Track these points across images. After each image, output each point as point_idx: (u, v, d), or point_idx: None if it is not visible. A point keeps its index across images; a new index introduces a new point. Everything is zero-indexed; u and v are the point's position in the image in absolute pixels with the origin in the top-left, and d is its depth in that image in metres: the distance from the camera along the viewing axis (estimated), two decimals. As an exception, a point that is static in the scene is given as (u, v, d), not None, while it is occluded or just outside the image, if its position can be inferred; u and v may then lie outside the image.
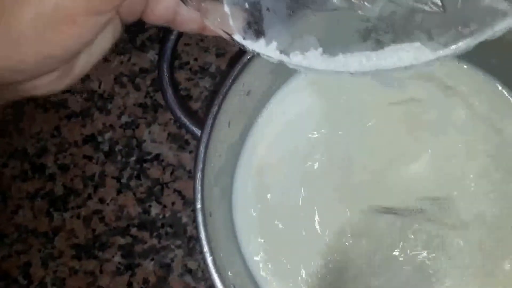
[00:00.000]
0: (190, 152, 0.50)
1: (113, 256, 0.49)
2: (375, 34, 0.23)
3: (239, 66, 0.38)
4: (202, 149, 0.38)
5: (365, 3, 0.23)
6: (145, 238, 0.49)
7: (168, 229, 0.49)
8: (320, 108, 0.46)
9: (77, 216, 0.50)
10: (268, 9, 0.23)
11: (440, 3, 0.23)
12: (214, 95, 0.39)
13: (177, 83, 0.51)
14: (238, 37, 0.23)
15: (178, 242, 0.49)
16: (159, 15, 0.25)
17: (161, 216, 0.50)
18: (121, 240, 0.49)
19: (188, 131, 0.42)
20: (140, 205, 0.50)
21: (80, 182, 0.51)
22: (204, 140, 0.38)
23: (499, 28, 0.22)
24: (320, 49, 0.23)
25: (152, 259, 0.49)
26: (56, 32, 0.20)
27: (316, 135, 0.45)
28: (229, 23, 0.23)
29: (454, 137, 0.44)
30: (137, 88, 0.52)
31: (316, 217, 0.44)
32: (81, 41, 0.21)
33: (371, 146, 0.44)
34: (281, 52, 0.24)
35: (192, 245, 0.49)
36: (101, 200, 0.50)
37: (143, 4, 0.24)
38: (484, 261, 0.42)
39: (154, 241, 0.49)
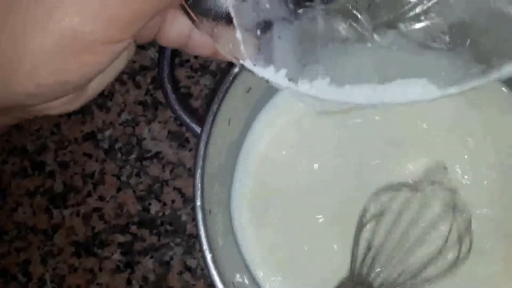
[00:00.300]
0: (190, 150, 0.50)
1: (112, 254, 0.49)
2: (381, 69, 0.23)
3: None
4: (202, 147, 0.38)
5: (375, 36, 0.23)
6: (144, 236, 0.49)
7: (168, 227, 0.49)
8: (321, 106, 0.46)
9: (77, 214, 0.50)
10: (279, 37, 0.24)
11: (448, 41, 0.23)
12: (215, 93, 0.39)
13: (178, 81, 0.51)
14: (248, 63, 0.24)
15: (178, 240, 0.49)
16: (172, 39, 0.25)
17: (160, 214, 0.50)
18: (121, 238, 0.49)
19: (188, 129, 0.42)
20: (140, 203, 0.50)
21: (80, 179, 0.51)
22: (204, 137, 0.38)
23: (506, 70, 0.23)
24: (328, 79, 0.24)
25: (152, 257, 0.49)
26: (74, 60, 0.20)
27: (319, 137, 0.45)
28: (241, 50, 0.24)
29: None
30: (137, 85, 0.52)
31: (317, 214, 0.44)
32: (98, 68, 0.22)
33: (375, 141, 0.44)
34: (289, 79, 0.24)
35: (191, 243, 0.49)
36: (101, 198, 0.50)
37: (156, 28, 0.25)
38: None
39: (154, 238, 0.49)
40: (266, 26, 0.24)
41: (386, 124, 0.45)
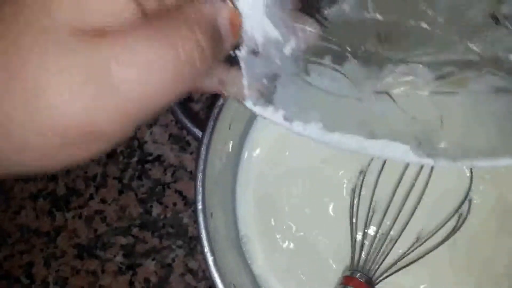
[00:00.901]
0: (191, 153, 0.51)
1: (114, 256, 0.50)
2: (371, 126, 0.25)
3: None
4: (203, 151, 0.38)
5: (373, 98, 0.25)
6: (146, 238, 0.50)
7: (169, 229, 0.50)
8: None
9: (79, 216, 0.51)
10: (283, 86, 0.25)
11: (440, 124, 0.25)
12: (215, 97, 0.39)
13: (178, 85, 0.51)
14: (249, 104, 0.25)
15: (179, 242, 0.49)
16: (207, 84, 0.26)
17: (162, 216, 0.50)
18: (123, 240, 0.50)
19: (189, 132, 0.42)
20: (142, 206, 0.50)
21: (82, 182, 0.51)
22: (205, 141, 0.38)
23: (480, 164, 0.25)
24: (321, 124, 0.25)
25: (154, 259, 0.49)
26: (85, 146, 0.21)
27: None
28: (244, 93, 0.25)
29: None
30: (139, 89, 0.52)
31: (320, 215, 0.45)
32: (101, 151, 0.22)
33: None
34: (285, 119, 0.25)
35: (193, 245, 0.49)
36: (103, 200, 0.51)
37: None
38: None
39: (156, 241, 0.50)
40: (273, 77, 0.25)
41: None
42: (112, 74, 0.19)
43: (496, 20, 0.24)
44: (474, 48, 0.24)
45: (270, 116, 0.25)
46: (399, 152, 0.25)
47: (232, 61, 0.24)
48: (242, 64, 0.24)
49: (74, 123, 0.19)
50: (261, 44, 0.24)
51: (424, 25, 0.24)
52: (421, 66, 0.25)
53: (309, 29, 0.25)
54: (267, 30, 0.24)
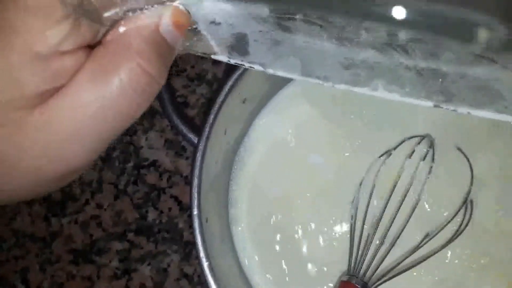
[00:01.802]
0: (187, 158, 0.51)
1: (110, 261, 0.50)
2: (355, 69, 0.25)
3: (236, 75, 0.39)
4: (199, 157, 0.38)
5: (355, 48, 0.24)
6: (142, 243, 0.50)
7: (165, 234, 0.50)
8: (315, 116, 0.46)
9: (75, 222, 0.51)
10: (255, 40, 0.25)
11: (424, 73, 0.25)
12: (211, 103, 0.39)
13: (174, 90, 0.51)
14: (223, 58, 0.25)
15: (175, 247, 0.50)
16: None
17: (157, 222, 0.50)
18: (118, 245, 0.50)
19: (185, 138, 0.43)
20: (137, 211, 0.50)
21: (78, 187, 0.51)
22: (201, 147, 0.39)
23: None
24: (299, 65, 0.25)
25: (149, 264, 0.49)
26: (61, 182, 0.24)
27: (311, 143, 0.46)
28: (214, 50, 0.25)
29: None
30: (135, 95, 0.52)
31: (311, 224, 0.45)
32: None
33: (367, 152, 0.45)
34: (264, 67, 0.25)
35: (188, 250, 0.49)
36: (99, 206, 0.51)
37: None
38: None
39: (151, 246, 0.50)
40: (243, 36, 0.25)
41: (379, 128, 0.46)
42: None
43: None
44: None
45: (247, 66, 0.25)
46: (380, 92, 0.25)
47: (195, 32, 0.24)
48: (204, 33, 0.24)
49: (51, 168, 0.23)
50: (218, 15, 0.24)
51: None
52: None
53: None
54: (223, 7, 0.24)
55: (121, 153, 0.51)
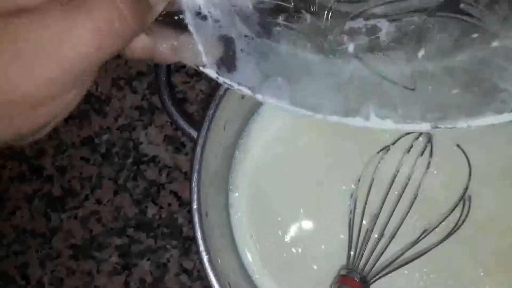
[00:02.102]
0: (186, 154, 0.51)
1: (110, 256, 0.50)
2: (345, 90, 0.24)
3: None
4: (198, 152, 0.39)
5: (339, 59, 0.24)
6: (141, 239, 0.50)
7: (164, 230, 0.50)
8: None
9: (75, 217, 0.51)
10: (242, 50, 0.24)
11: (412, 85, 0.24)
12: (210, 99, 0.40)
13: (174, 86, 0.51)
14: (210, 71, 0.25)
15: (174, 242, 0.50)
16: (138, 54, 0.26)
17: (157, 217, 0.50)
18: (118, 241, 0.50)
19: (184, 133, 0.43)
20: (137, 206, 0.51)
21: (78, 183, 0.51)
22: (200, 142, 0.39)
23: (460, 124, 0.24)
24: (288, 92, 0.24)
25: (149, 259, 0.50)
26: (25, 115, 0.23)
27: (310, 138, 0.46)
28: (202, 60, 0.24)
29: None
30: (134, 91, 0.52)
31: (310, 219, 0.45)
32: (51, 116, 0.24)
33: (366, 147, 0.45)
34: (249, 88, 0.25)
35: (187, 245, 0.50)
36: (98, 201, 0.51)
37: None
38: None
39: (151, 241, 0.50)
40: (229, 40, 0.24)
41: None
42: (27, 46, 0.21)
43: None
44: None
45: (236, 88, 0.25)
46: (374, 122, 0.25)
47: (183, 28, 0.24)
48: (191, 28, 0.24)
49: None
50: (203, 4, 0.24)
51: None
52: (381, 19, 0.24)
53: None
54: None
55: (120, 149, 0.52)
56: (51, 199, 0.51)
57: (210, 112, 0.39)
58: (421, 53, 0.24)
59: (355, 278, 0.41)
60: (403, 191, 0.44)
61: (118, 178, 0.51)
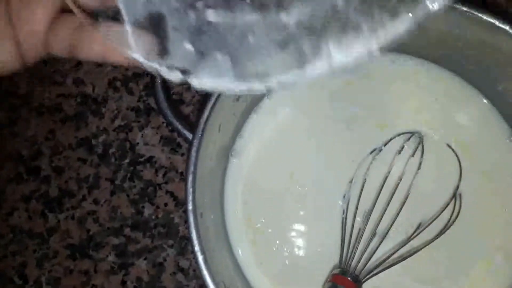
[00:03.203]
0: (182, 154, 0.51)
1: (107, 256, 0.50)
2: (295, 44, 0.22)
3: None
4: (193, 152, 0.39)
5: (280, 14, 0.21)
6: (138, 238, 0.50)
7: (161, 229, 0.50)
8: (307, 113, 0.47)
9: (72, 217, 0.51)
10: (174, 28, 0.22)
11: None
12: (206, 100, 0.40)
13: (170, 88, 0.52)
14: (139, 56, 0.23)
15: (170, 241, 0.50)
16: (57, 49, 0.26)
17: (153, 217, 0.51)
18: (115, 240, 0.51)
19: (180, 134, 0.43)
20: (133, 206, 0.51)
21: (75, 184, 0.52)
22: (195, 143, 0.39)
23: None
24: (232, 73, 0.22)
25: (145, 259, 0.50)
26: None
27: (303, 140, 0.47)
28: (131, 43, 0.23)
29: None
30: (130, 92, 0.53)
31: (304, 219, 0.46)
32: None
33: (356, 152, 0.46)
34: (183, 72, 0.23)
35: (184, 244, 0.50)
36: (95, 202, 0.51)
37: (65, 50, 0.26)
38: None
39: (147, 241, 0.50)
40: (160, 18, 0.22)
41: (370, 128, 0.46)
42: None
43: None
44: None
45: (164, 73, 0.22)
46: (323, 63, 0.22)
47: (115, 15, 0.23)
48: (120, 5, 0.22)
49: None
50: None
51: None
52: None
53: None
54: None
55: (117, 150, 0.52)
56: (48, 199, 0.52)
57: (205, 113, 0.40)
58: None
59: (348, 277, 0.42)
60: (394, 191, 0.44)
61: (115, 178, 0.52)
